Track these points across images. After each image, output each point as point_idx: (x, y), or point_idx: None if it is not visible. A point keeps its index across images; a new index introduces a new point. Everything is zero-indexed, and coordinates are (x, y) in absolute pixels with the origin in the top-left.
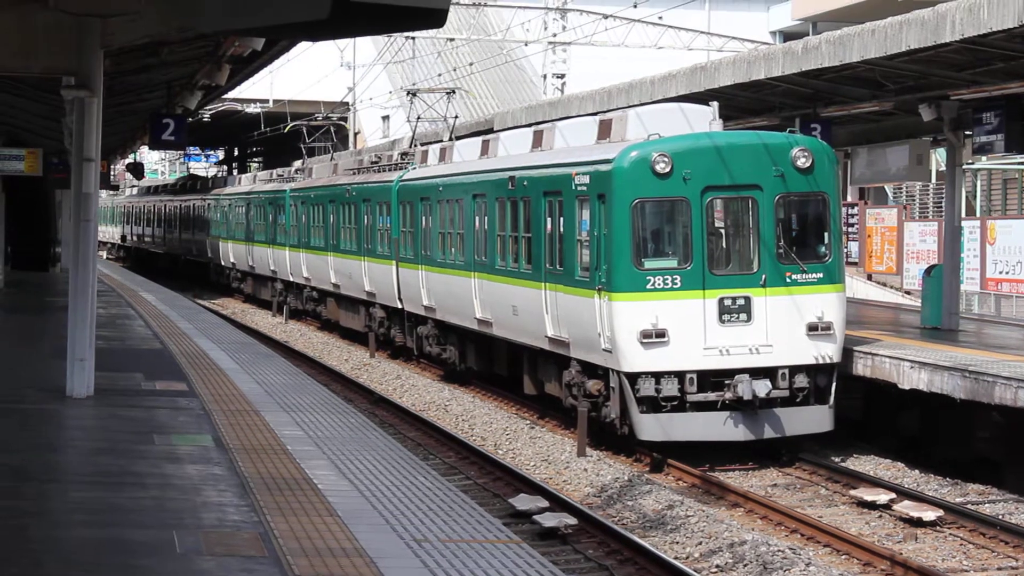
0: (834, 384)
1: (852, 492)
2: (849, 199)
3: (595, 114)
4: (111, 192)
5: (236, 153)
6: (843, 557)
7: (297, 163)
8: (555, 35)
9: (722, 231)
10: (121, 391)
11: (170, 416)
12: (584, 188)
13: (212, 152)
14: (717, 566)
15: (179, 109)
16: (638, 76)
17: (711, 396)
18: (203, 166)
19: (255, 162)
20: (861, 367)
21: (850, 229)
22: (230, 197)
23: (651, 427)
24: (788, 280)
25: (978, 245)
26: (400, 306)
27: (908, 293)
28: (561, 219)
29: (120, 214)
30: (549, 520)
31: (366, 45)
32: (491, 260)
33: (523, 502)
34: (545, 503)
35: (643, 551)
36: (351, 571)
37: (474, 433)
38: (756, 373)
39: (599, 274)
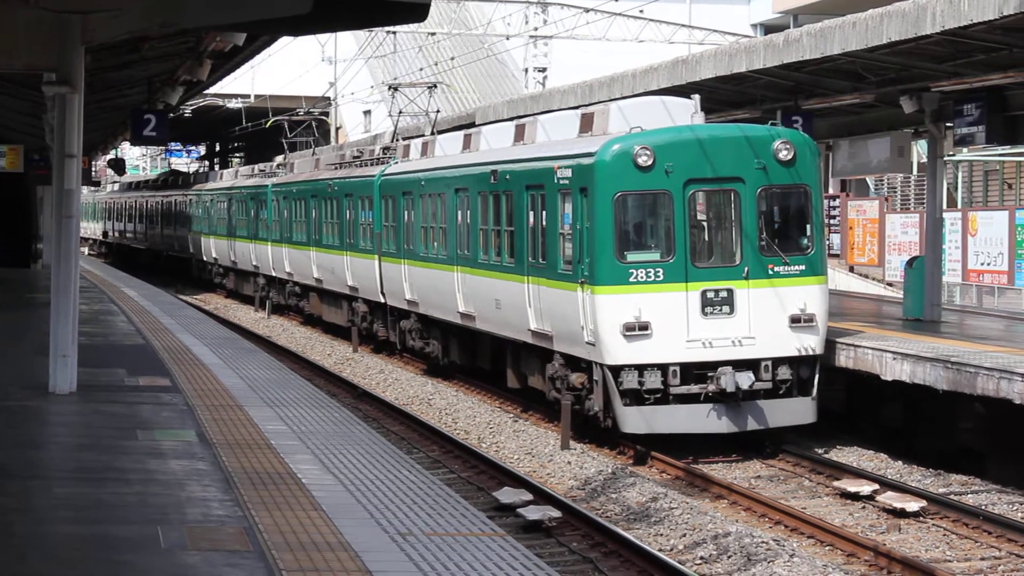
0: (817, 376)
1: (835, 483)
2: (831, 191)
3: (577, 108)
4: (93, 188)
5: (217, 148)
6: (827, 548)
7: (279, 158)
8: (536, 29)
9: (704, 224)
10: (104, 387)
11: (153, 412)
12: (566, 181)
13: (193, 148)
14: (701, 558)
15: (160, 105)
16: (619, 69)
17: (694, 388)
18: (184, 162)
19: (236, 157)
20: (844, 359)
21: (832, 221)
22: (212, 192)
23: (634, 420)
24: (770, 272)
25: (960, 236)
26: (383, 300)
27: (890, 285)
28: (543, 212)
29: (102, 210)
30: (533, 513)
31: (347, 40)
32: (474, 254)
33: (507, 495)
34: (529, 496)
35: (627, 543)
36: (336, 565)
37: (458, 427)
38: (739, 365)
39: (582, 267)
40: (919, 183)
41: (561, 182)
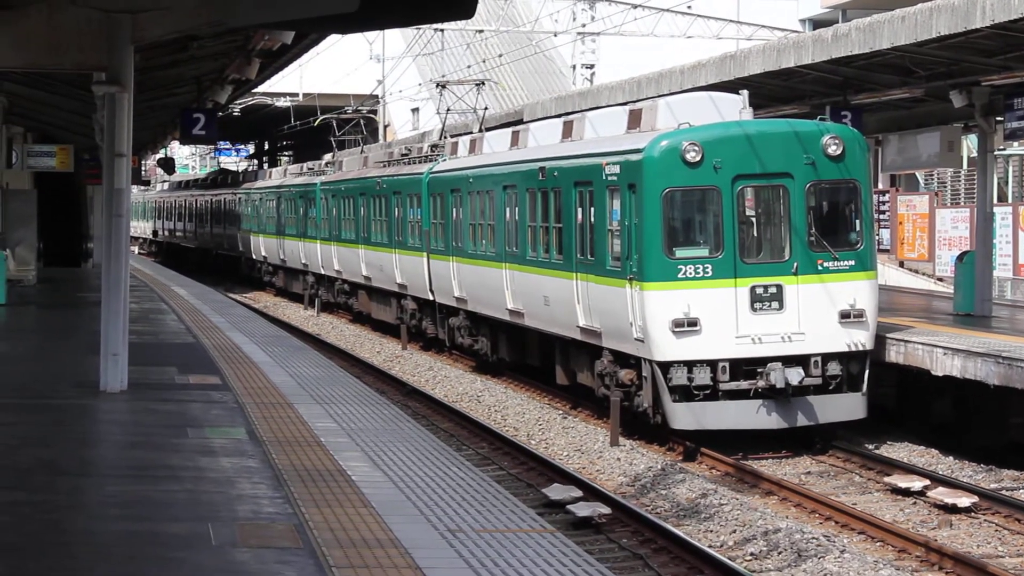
0: (867, 371)
1: (886, 479)
2: (880, 186)
3: (625, 104)
4: (142, 187)
5: (266, 147)
6: (878, 544)
7: (327, 156)
8: (584, 25)
9: (753, 219)
10: (154, 385)
11: (203, 409)
12: (615, 178)
13: (242, 146)
14: (751, 554)
15: (209, 103)
16: (667, 65)
17: (744, 384)
18: (233, 160)
19: (285, 156)
20: (894, 354)
21: (881, 216)
22: (261, 191)
23: (684, 416)
24: (820, 268)
25: (1010, 231)
26: (431, 298)
27: (940, 280)
28: (592, 209)
29: (151, 209)
30: (583, 510)
31: (395, 38)
32: (522, 251)
33: (557, 492)
34: (579, 493)
35: (677, 540)
36: (386, 562)
37: (507, 424)
38: (788, 361)
39: (630, 264)
40: (969, 178)
41: (609, 178)
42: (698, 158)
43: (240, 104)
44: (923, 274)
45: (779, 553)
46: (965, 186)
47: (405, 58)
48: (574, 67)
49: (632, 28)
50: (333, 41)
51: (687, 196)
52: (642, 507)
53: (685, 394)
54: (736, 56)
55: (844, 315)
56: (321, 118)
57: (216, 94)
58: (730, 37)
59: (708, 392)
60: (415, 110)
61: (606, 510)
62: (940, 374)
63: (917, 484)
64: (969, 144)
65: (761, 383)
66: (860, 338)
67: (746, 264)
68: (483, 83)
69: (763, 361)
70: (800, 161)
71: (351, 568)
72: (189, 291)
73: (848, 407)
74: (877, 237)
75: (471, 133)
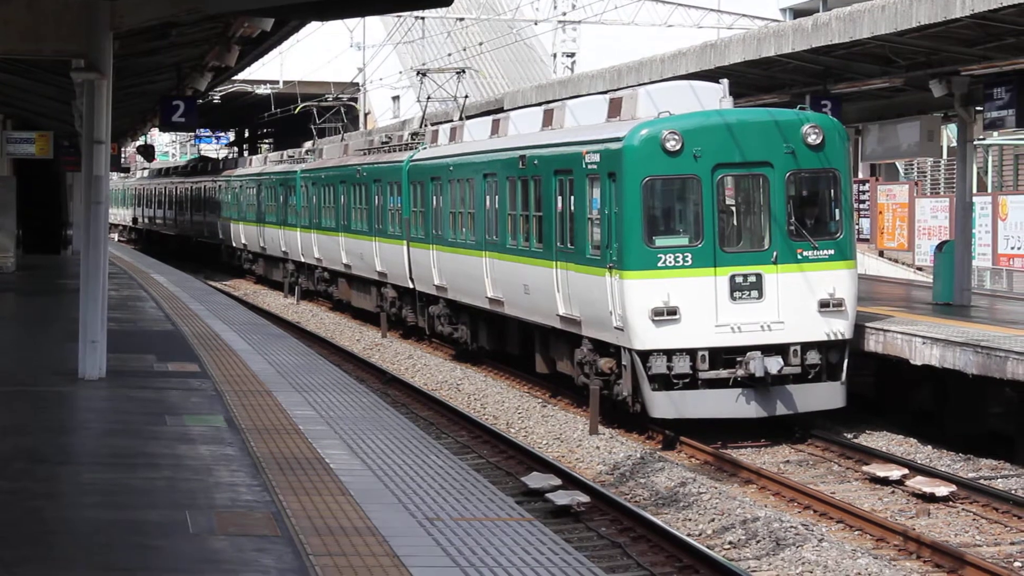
0: (846, 360)
1: (865, 468)
2: (860, 176)
3: (605, 92)
4: (122, 174)
5: (247, 135)
6: (856, 533)
7: (308, 144)
8: (565, 14)
9: (733, 208)
10: (133, 372)
11: (182, 397)
12: (595, 166)
13: (223, 134)
14: (730, 543)
15: (189, 91)
16: (648, 54)
17: (723, 373)
18: (214, 148)
19: (266, 143)
20: (873, 343)
21: (861, 206)
22: (241, 179)
23: (663, 404)
24: (799, 257)
25: (990, 221)
26: (412, 286)
27: (920, 269)
28: (572, 198)
29: (131, 196)
30: (562, 498)
31: (376, 25)
32: (502, 239)
33: (535, 480)
34: (558, 481)
35: (656, 528)
36: (364, 550)
37: (486, 412)
38: (768, 350)
39: (610, 252)
40: (949, 167)
41: (589, 167)
42: (678, 147)
43: (220, 91)
44: (902, 263)
45: (757, 542)
46: (945, 175)
47: (386, 46)
48: (555, 55)
49: (613, 17)
50: (313, 29)
51: (667, 185)
52: (621, 495)
53: (665, 383)
54: (716, 45)
55: (823, 304)
56: (301, 106)
57: (196, 81)
58: (710, 26)
59: (688, 381)
60: (396, 98)
61: (585, 498)
62: (919, 363)
63: (895, 473)
64: (949, 134)
65: (740, 372)
66: (839, 327)
67: (726, 253)
68: (464, 71)
69: (742, 350)
70: (780, 150)
71: (329, 556)
72: (168, 278)
73: (827, 396)
74: (857, 226)
75: (451, 121)
